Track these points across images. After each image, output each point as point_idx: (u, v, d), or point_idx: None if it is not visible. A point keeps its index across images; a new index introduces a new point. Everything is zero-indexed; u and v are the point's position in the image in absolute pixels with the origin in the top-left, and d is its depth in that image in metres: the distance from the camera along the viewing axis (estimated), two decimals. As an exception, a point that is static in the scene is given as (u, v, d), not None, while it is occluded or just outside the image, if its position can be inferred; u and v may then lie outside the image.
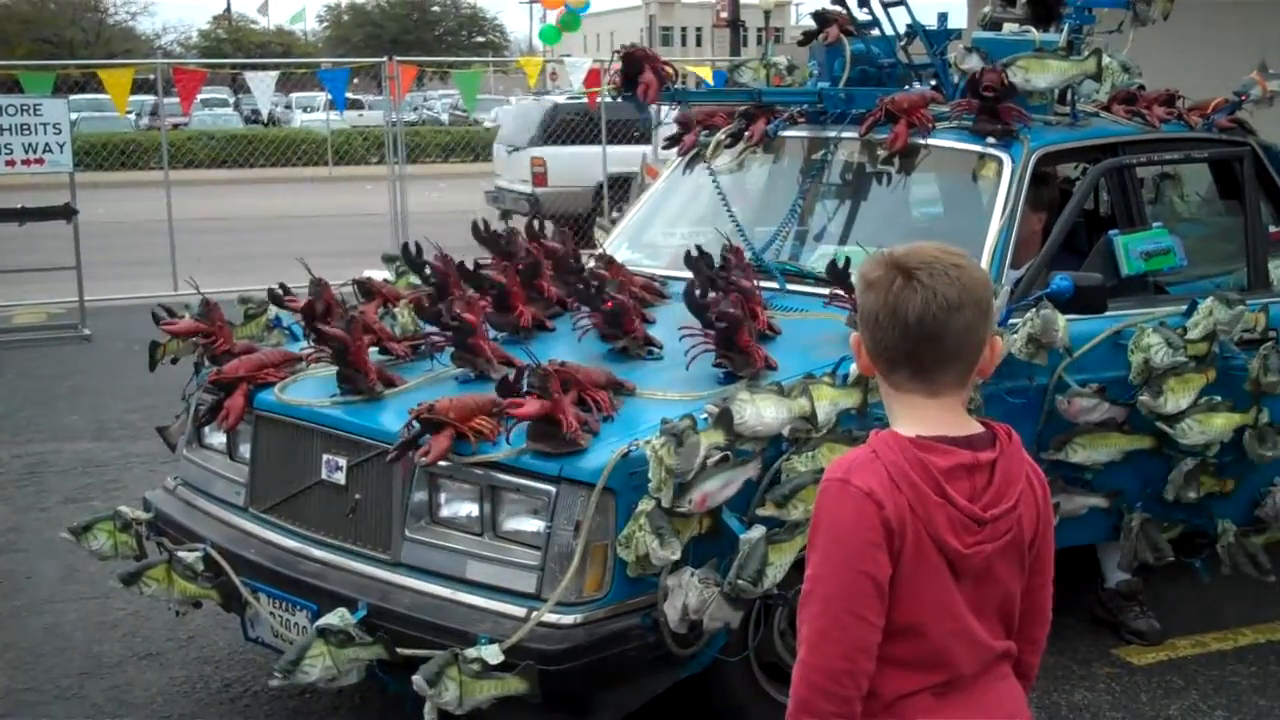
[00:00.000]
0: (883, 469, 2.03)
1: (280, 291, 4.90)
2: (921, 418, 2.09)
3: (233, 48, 55.58)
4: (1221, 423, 4.51)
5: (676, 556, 3.46)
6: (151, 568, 4.18)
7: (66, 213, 11.28)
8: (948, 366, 2.09)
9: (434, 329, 4.37)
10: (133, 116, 27.13)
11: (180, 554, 4.16)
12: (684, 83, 9.98)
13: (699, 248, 4.54)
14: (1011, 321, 4.25)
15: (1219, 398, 4.52)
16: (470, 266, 4.73)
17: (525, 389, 3.69)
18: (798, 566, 3.52)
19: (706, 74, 16.03)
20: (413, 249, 4.99)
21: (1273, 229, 5.49)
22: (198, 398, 4.62)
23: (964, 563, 2.06)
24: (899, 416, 2.12)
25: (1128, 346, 4.48)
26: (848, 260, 4.37)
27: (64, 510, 6.50)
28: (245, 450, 4.37)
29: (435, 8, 68.37)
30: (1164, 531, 4.72)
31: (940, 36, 5.45)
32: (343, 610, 3.66)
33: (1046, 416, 4.39)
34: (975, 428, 2.13)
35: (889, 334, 2.06)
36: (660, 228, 5.67)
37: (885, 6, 5.32)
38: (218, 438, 4.54)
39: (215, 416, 4.29)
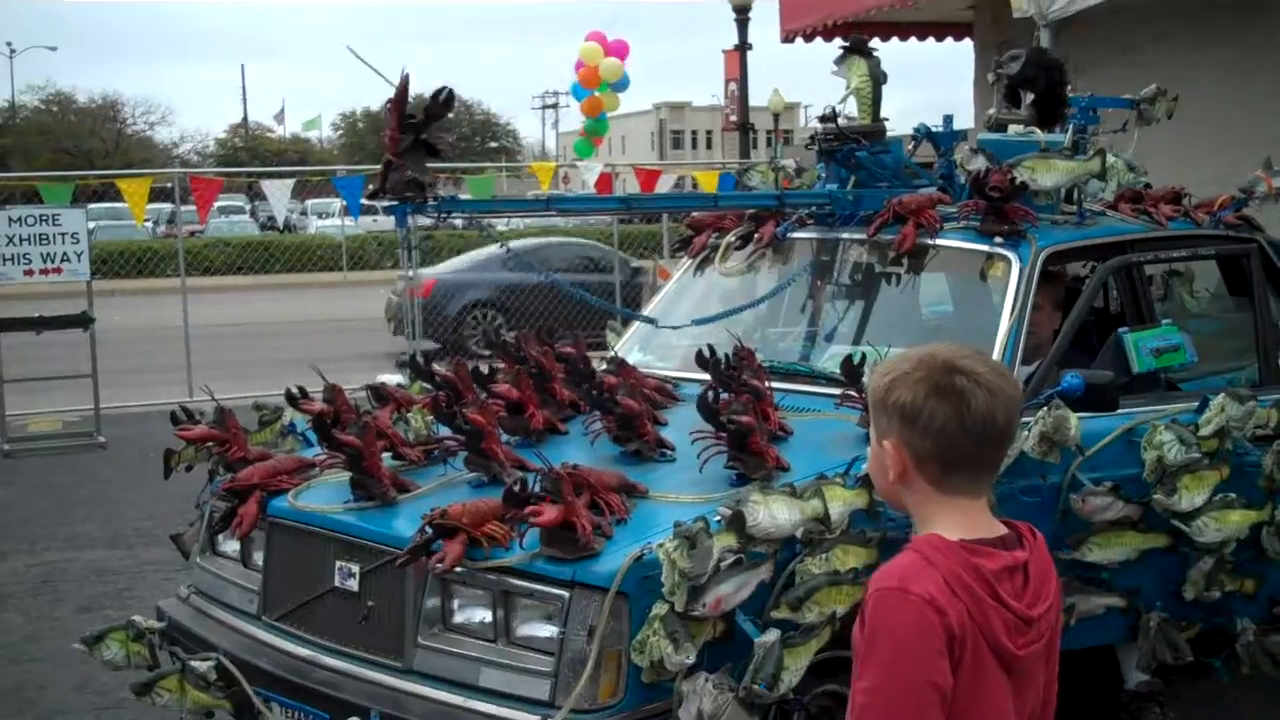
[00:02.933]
0: (939, 575, 2.01)
1: (297, 393, 4.92)
2: (964, 520, 2.10)
3: (249, 155, 56.41)
4: (1237, 519, 4.48)
5: (691, 661, 3.43)
6: (164, 678, 4.17)
7: (83, 321, 11.37)
8: (999, 463, 2.14)
9: (447, 433, 4.38)
10: (150, 224, 27.43)
11: (193, 663, 4.14)
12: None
13: (710, 347, 4.55)
14: (1024, 420, 4.25)
15: (1233, 494, 4.50)
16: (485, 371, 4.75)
17: (538, 493, 3.69)
18: (813, 670, 3.51)
19: (710, 181, 15.76)
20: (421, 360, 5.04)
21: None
22: (211, 505, 4.62)
23: (1016, 664, 2.05)
24: (940, 520, 2.11)
25: (1141, 444, 4.47)
26: (863, 358, 4.38)
27: (78, 619, 6.49)
28: (258, 557, 4.37)
29: (449, 114, 69.34)
30: (1182, 631, 4.66)
31: (946, 138, 5.51)
32: (355, 719, 3.64)
33: (1061, 515, 4.37)
34: (1002, 528, 2.14)
35: (964, 441, 2.05)
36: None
37: (872, 154, 5.34)
38: (231, 545, 4.54)
39: (229, 524, 4.29)
